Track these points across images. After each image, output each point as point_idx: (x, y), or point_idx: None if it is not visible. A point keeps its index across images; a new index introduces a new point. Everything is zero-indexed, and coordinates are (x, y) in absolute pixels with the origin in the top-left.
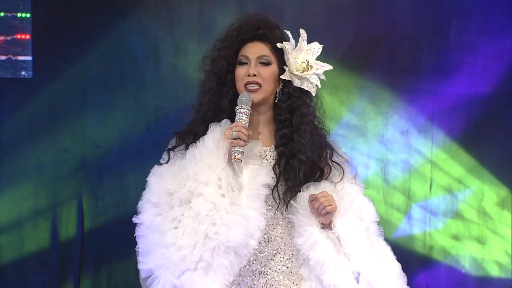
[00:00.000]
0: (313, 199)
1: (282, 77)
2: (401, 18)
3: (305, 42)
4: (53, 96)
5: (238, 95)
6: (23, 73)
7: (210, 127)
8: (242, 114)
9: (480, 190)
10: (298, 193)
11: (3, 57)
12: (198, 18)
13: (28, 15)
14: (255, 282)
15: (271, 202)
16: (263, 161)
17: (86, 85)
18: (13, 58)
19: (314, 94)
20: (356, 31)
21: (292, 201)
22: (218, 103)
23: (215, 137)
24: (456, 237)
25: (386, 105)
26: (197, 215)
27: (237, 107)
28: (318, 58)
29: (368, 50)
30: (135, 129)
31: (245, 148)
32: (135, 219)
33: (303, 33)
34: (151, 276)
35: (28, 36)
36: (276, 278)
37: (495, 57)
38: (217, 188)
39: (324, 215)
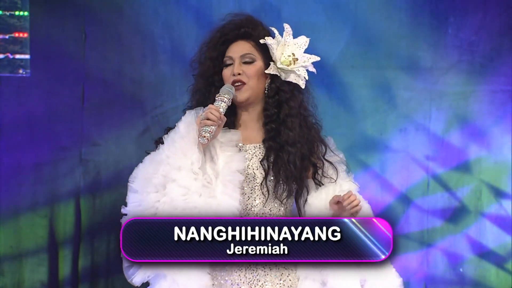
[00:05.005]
0: (342, 199)
1: (266, 71)
2: (398, 16)
3: (291, 37)
4: (51, 94)
5: None
6: (20, 71)
7: (183, 112)
8: (219, 101)
9: (478, 188)
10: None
11: (1, 56)
12: (195, 16)
13: (26, 13)
14: (242, 279)
15: (260, 195)
16: (248, 154)
17: (84, 83)
18: (11, 57)
19: (303, 87)
20: (354, 29)
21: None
22: (205, 103)
23: (186, 121)
24: (454, 235)
25: (384, 103)
26: (172, 200)
27: (217, 95)
28: (313, 53)
29: (365, 48)
30: (133, 127)
31: (224, 136)
32: (123, 210)
33: (287, 27)
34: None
35: (26, 35)
36: (263, 273)
37: (493, 55)
38: (190, 172)
39: (353, 214)
